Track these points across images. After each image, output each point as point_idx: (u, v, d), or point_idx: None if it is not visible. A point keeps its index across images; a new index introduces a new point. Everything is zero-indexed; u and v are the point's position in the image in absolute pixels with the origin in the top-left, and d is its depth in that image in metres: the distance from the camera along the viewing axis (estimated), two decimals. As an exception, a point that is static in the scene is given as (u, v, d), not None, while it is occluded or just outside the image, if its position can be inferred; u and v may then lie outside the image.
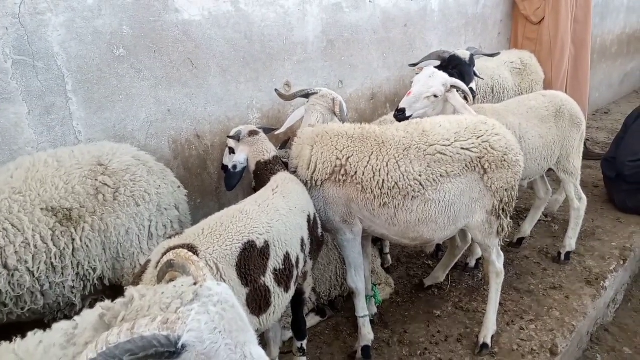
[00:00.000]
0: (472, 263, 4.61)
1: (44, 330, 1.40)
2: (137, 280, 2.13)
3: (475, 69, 4.77)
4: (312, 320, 3.91)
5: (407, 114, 3.50)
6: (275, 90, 3.97)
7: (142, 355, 1.16)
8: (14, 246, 2.33)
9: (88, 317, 1.37)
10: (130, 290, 1.39)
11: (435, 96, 3.55)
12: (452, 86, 3.60)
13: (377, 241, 4.65)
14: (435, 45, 5.73)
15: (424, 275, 4.58)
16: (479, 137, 2.99)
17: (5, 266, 2.32)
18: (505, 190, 3.07)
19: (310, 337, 3.66)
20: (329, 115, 3.57)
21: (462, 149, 2.95)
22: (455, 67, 4.42)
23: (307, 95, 3.67)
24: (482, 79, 5.08)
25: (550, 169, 4.47)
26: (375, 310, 3.98)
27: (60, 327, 1.36)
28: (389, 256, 4.77)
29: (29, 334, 1.39)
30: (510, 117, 4.01)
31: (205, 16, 3.59)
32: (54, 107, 2.97)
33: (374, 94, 5.22)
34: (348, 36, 4.74)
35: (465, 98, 3.70)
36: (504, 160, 3.01)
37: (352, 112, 4.97)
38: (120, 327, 1.20)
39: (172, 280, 1.56)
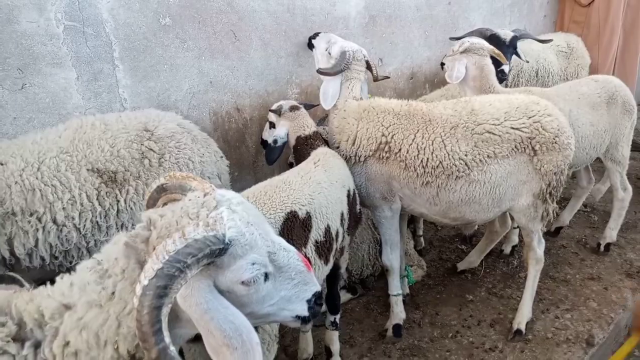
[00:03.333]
0: (508, 250, 4.53)
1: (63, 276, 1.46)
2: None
3: (520, 51, 4.62)
4: (343, 297, 3.93)
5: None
6: (318, 70, 3.66)
7: (200, 256, 1.27)
8: (62, 202, 2.41)
9: (109, 251, 1.42)
10: (145, 215, 1.44)
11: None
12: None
13: (410, 223, 4.62)
14: (479, 25, 5.55)
15: (456, 259, 4.53)
16: (530, 117, 2.90)
17: (55, 221, 2.40)
18: (554, 173, 2.98)
19: (341, 313, 3.68)
20: (365, 81, 3.46)
21: (512, 128, 2.87)
22: (494, 46, 4.28)
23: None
24: (527, 61, 4.92)
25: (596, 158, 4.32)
26: (407, 290, 3.97)
27: (85, 266, 1.42)
28: (422, 239, 4.74)
29: (57, 279, 1.45)
30: (561, 103, 3.85)
31: (249, -13, 3.57)
32: (101, 73, 3.02)
33: (414, 73, 5.12)
34: (390, 12, 4.64)
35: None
36: (555, 143, 2.92)
37: (390, 91, 4.89)
38: (171, 237, 1.28)
39: (166, 204, 1.62)
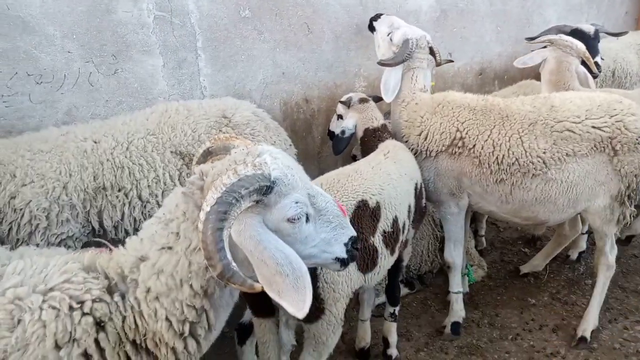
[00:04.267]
0: (574, 256, 4.36)
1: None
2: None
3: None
4: (401, 291, 3.94)
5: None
6: (379, 61, 3.52)
7: (252, 189, 1.43)
8: (147, 180, 2.60)
9: (168, 203, 1.61)
10: (197, 168, 1.59)
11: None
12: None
13: (472, 222, 4.55)
14: (554, 21, 5.34)
15: (519, 262, 4.42)
16: (612, 116, 2.80)
17: (140, 197, 2.60)
18: (635, 175, 2.86)
19: (399, 307, 3.71)
20: (428, 67, 3.37)
21: (593, 127, 2.78)
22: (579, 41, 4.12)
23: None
24: (603, 59, 4.68)
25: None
26: (467, 289, 3.93)
27: (149, 223, 1.62)
28: (483, 239, 4.66)
29: (127, 239, 1.65)
30: None
31: (324, -19, 3.65)
32: (185, 62, 3.20)
33: (483, 69, 5.02)
34: (462, 6, 4.57)
35: (590, 72, 3.49)
36: (638, 143, 2.80)
37: (458, 86, 4.82)
38: (225, 173, 1.44)
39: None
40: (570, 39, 3.74)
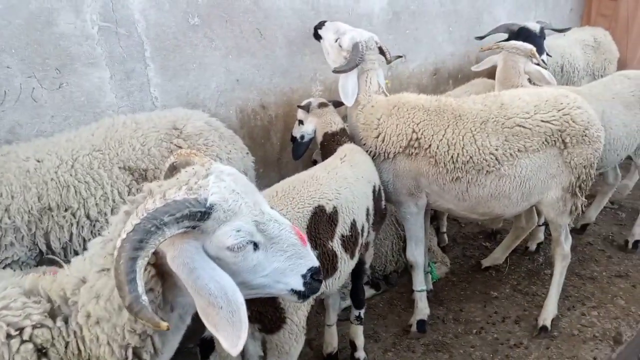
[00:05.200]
0: (533, 247, 4.50)
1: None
2: None
3: (545, 46, 4.58)
4: (366, 293, 3.95)
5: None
6: (333, 70, 3.41)
7: (179, 216, 1.34)
8: (95, 198, 2.50)
9: (113, 221, 1.54)
10: (146, 185, 1.53)
11: None
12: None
13: (434, 220, 4.62)
14: (504, 20, 5.48)
15: (480, 256, 4.51)
16: (560, 110, 2.90)
17: (88, 216, 2.50)
18: (584, 167, 2.98)
19: (365, 309, 3.71)
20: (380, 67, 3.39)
21: (543, 121, 2.87)
22: (525, 39, 4.28)
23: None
24: (551, 56, 4.86)
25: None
26: (431, 286, 3.98)
27: (94, 242, 1.56)
28: (445, 235, 4.73)
29: (72, 259, 1.59)
30: (594, 103, 3.79)
31: (275, -14, 3.63)
32: (133, 72, 3.11)
33: (437, 69, 5.11)
34: (414, 8, 4.64)
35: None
36: (585, 135, 2.92)
37: (414, 87, 4.89)
38: (152, 198, 1.39)
39: None
40: (516, 43, 3.89)
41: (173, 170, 1.77)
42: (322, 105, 3.36)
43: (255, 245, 1.51)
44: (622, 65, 6.06)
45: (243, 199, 1.49)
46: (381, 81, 3.37)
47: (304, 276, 1.60)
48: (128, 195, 2.57)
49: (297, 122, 3.62)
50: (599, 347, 3.35)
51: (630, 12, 6.23)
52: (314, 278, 1.62)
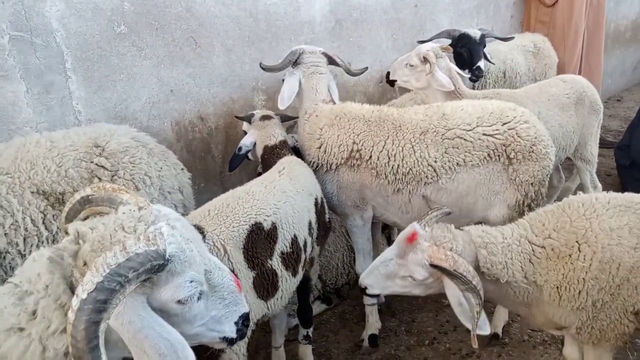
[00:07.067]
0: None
1: None
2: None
3: (487, 52, 4.64)
4: (318, 308, 3.83)
5: (391, 77, 3.94)
6: (260, 64, 3.35)
7: (141, 270, 1.21)
8: (3, 228, 2.23)
9: (28, 269, 1.32)
10: (72, 227, 1.36)
11: (411, 65, 3.74)
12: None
13: (385, 229, 4.55)
14: (446, 27, 5.52)
15: (432, 263, 4.47)
16: (505, 124, 2.75)
17: None
18: (531, 184, 2.79)
19: (316, 325, 3.58)
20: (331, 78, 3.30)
21: (485, 134, 2.73)
22: (464, 45, 4.33)
23: (295, 62, 3.20)
24: (494, 63, 4.94)
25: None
26: (383, 299, 3.89)
27: (2, 291, 1.32)
28: (396, 244, 4.66)
29: None
30: (530, 105, 3.83)
31: (209, -7, 3.47)
32: (53, 85, 2.87)
33: (383, 77, 5.07)
34: (357, 16, 4.59)
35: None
36: (532, 152, 2.74)
37: (360, 95, 4.84)
38: (111, 250, 1.21)
39: (88, 217, 1.54)
40: (428, 46, 3.83)
41: (86, 203, 1.57)
42: (264, 117, 3.25)
43: (199, 295, 1.43)
44: (560, 70, 6.26)
45: (196, 247, 1.41)
46: (333, 91, 3.26)
47: (236, 323, 1.56)
48: (43, 222, 2.33)
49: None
50: (548, 351, 3.35)
51: (566, 20, 6.45)
52: (244, 324, 1.59)
